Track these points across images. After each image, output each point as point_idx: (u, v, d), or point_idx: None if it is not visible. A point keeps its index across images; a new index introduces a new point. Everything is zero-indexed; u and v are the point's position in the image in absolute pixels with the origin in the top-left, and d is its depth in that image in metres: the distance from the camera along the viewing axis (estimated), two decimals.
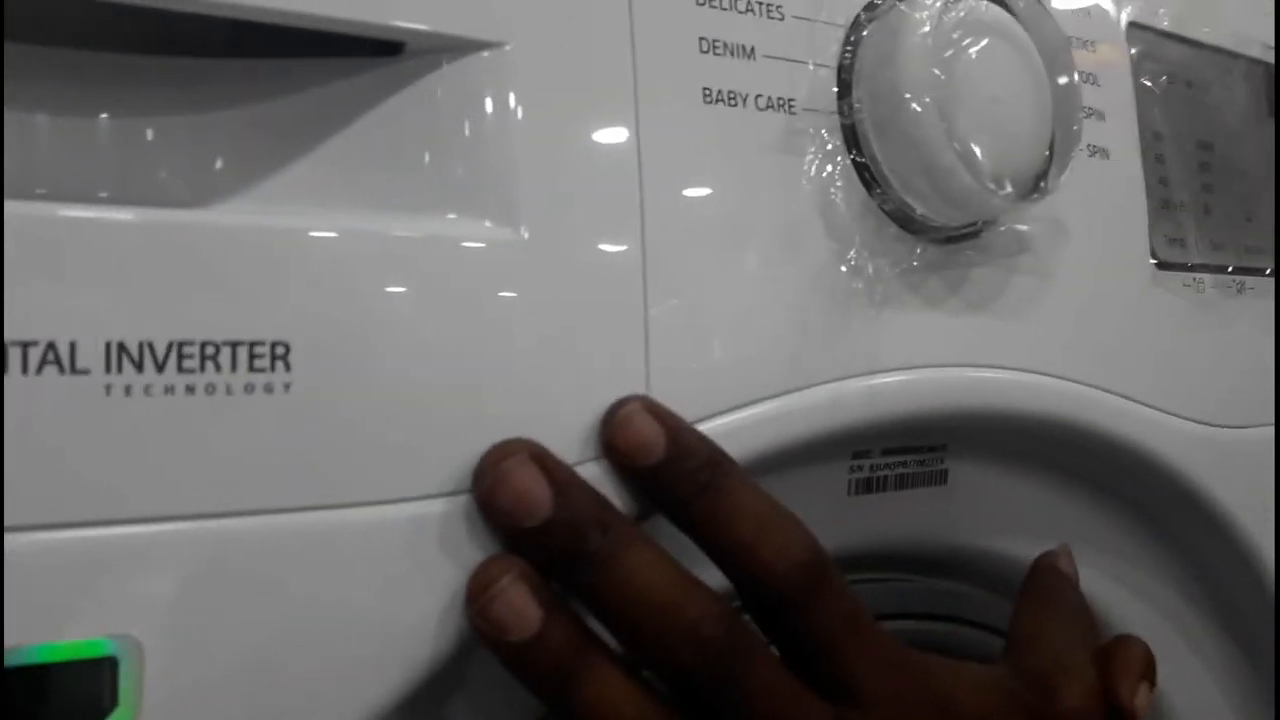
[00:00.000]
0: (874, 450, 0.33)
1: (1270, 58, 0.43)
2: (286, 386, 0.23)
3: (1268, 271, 0.41)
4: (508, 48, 0.26)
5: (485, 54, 0.26)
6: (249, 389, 0.23)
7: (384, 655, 0.24)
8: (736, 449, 0.27)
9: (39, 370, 0.21)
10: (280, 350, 0.23)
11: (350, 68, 0.26)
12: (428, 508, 0.24)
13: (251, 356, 0.23)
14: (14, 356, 0.21)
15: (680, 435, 0.26)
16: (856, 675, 0.26)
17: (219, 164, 0.26)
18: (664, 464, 0.26)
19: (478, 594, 0.24)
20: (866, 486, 0.33)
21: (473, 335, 0.25)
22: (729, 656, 0.24)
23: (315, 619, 0.23)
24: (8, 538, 0.21)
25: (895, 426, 0.31)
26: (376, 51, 0.26)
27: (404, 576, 0.24)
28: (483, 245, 0.25)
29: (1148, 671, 0.29)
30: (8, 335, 0.21)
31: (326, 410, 0.23)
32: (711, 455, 0.26)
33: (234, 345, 0.23)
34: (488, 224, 0.26)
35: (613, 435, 0.26)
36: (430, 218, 0.25)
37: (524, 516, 0.24)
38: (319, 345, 0.23)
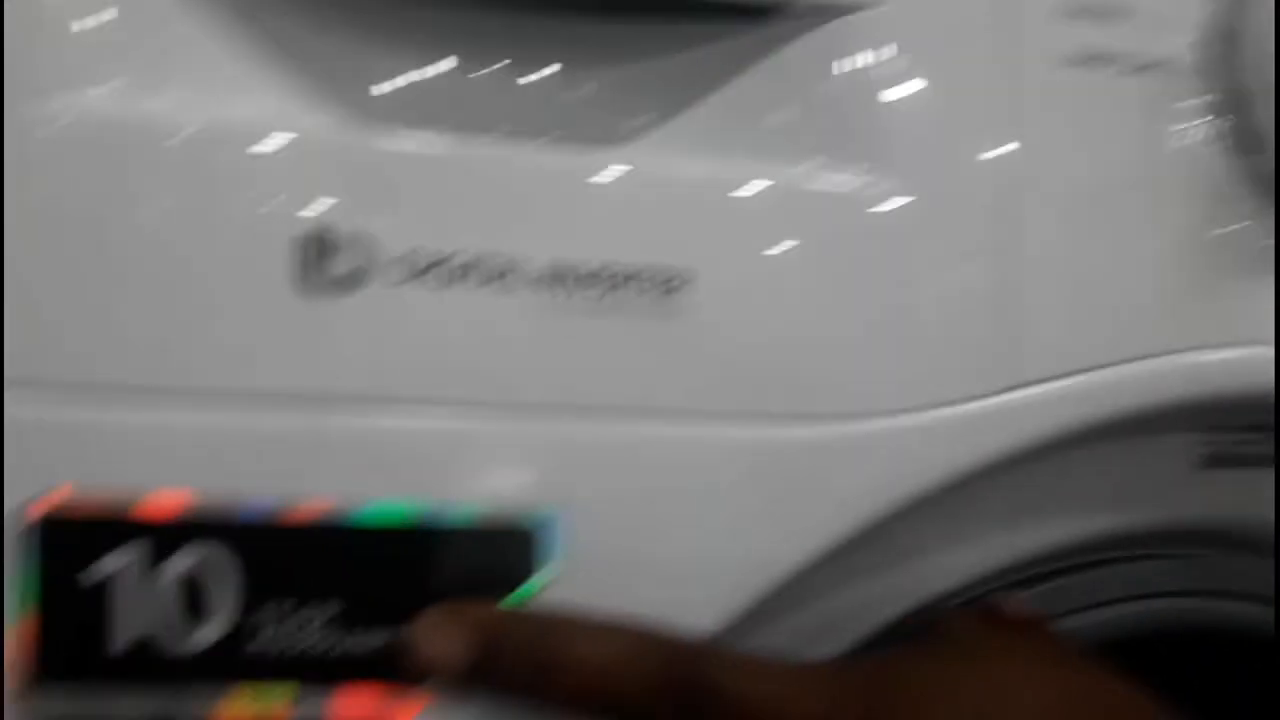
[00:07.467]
0: (1232, 425, 0.32)
1: None
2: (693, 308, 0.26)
3: None
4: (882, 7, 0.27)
5: (862, 14, 0.27)
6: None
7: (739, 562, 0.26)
8: (1095, 409, 0.28)
9: (495, 281, 0.25)
10: (680, 280, 0.26)
11: (725, 31, 0.28)
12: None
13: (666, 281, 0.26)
14: (468, 273, 0.25)
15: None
16: None
17: (615, 117, 0.29)
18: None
19: None
20: (1217, 462, 0.32)
21: (864, 290, 0.27)
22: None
23: (697, 519, 0.26)
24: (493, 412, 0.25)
25: (1257, 402, 0.30)
26: (743, 16, 0.28)
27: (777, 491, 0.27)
28: (883, 210, 0.27)
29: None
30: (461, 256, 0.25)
31: (719, 336, 0.26)
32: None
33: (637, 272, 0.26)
34: (878, 183, 0.27)
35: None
36: (826, 174, 0.27)
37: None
38: (719, 280, 0.26)
